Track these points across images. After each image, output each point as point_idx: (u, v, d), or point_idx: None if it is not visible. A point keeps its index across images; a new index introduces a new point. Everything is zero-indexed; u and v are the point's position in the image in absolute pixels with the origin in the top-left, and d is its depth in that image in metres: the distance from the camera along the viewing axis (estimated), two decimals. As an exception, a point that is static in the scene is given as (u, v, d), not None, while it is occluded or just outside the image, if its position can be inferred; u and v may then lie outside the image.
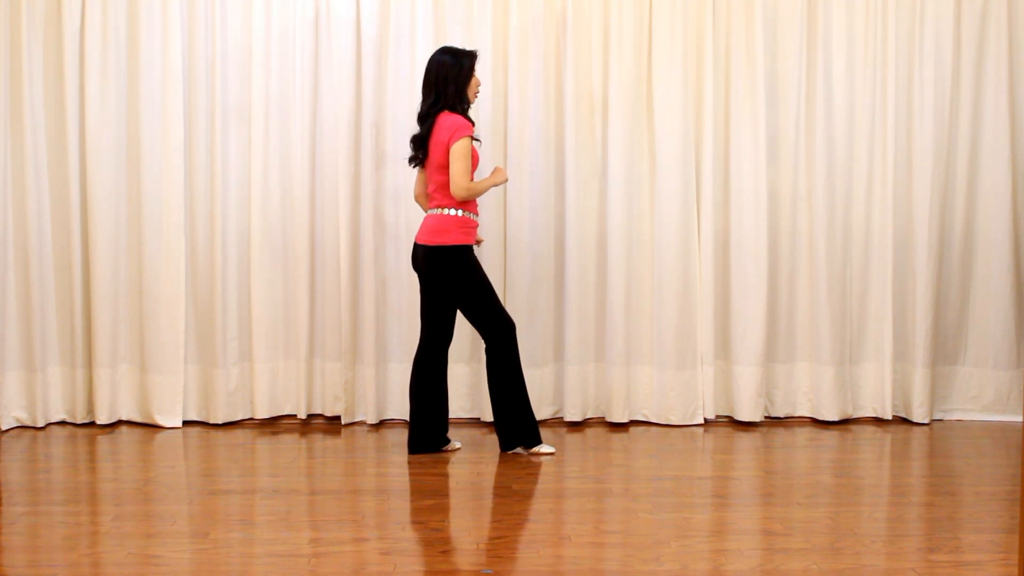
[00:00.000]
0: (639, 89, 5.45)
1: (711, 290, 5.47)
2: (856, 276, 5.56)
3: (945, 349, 5.64)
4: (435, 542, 3.66)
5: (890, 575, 3.36)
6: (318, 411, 5.53)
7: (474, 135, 4.74)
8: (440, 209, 4.74)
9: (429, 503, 4.12)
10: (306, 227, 5.42)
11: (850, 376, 5.57)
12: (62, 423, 5.44)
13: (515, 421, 4.83)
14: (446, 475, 4.55)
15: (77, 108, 5.35)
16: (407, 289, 5.44)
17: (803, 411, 5.59)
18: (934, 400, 5.59)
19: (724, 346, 5.56)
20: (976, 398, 5.64)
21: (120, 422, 5.47)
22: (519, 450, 4.88)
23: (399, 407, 5.48)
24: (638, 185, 5.47)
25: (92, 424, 5.43)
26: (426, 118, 4.77)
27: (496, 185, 4.84)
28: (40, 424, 5.36)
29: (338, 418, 5.50)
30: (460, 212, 4.72)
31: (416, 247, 4.80)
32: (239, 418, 5.49)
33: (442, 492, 4.29)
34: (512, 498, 4.23)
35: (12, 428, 5.33)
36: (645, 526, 3.83)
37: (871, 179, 5.51)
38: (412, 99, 5.39)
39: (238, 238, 5.45)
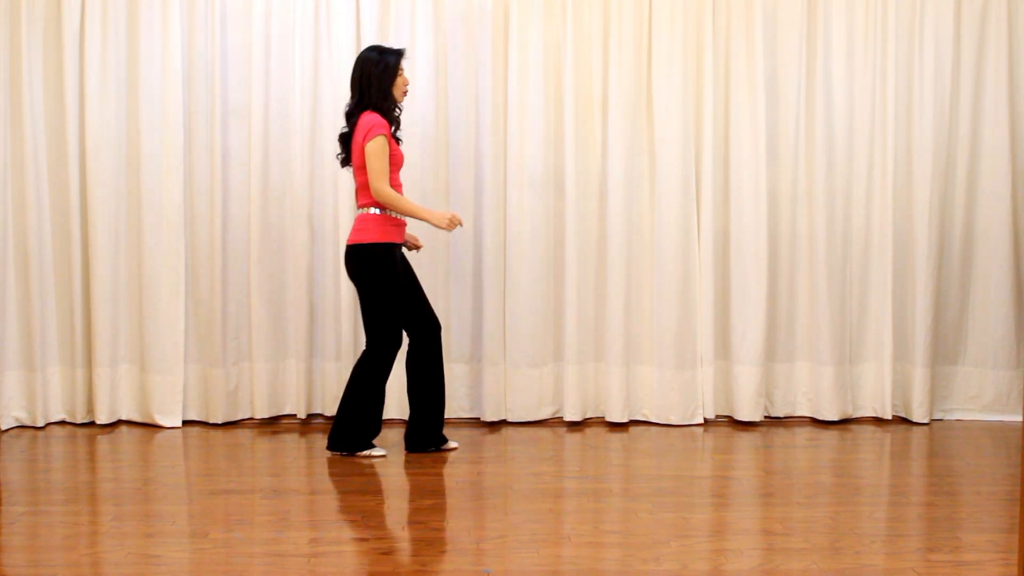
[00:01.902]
0: (639, 89, 5.45)
1: (711, 290, 5.47)
2: (856, 276, 5.56)
3: (945, 349, 5.64)
4: (435, 542, 3.66)
5: (890, 575, 3.36)
6: (318, 411, 5.53)
7: (393, 134, 4.71)
8: (363, 209, 4.72)
9: (429, 503, 4.12)
10: (306, 227, 5.42)
11: (850, 376, 5.57)
12: (62, 423, 5.45)
13: (351, 425, 4.78)
14: (446, 475, 4.55)
15: (77, 108, 5.35)
16: (407, 289, 5.44)
17: (803, 411, 5.59)
18: (934, 400, 5.59)
19: (724, 346, 5.56)
20: (976, 398, 5.64)
21: (120, 422, 5.47)
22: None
23: (399, 407, 5.48)
24: (638, 185, 5.47)
25: (92, 424, 5.43)
26: (350, 117, 4.75)
27: (429, 222, 4.71)
28: (40, 424, 5.36)
29: (338, 418, 5.49)
30: (380, 210, 4.68)
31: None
32: (239, 418, 5.49)
33: (442, 492, 4.29)
34: (512, 498, 4.23)
35: (12, 428, 5.33)
36: (645, 526, 3.83)
37: (871, 179, 5.51)
38: (412, 99, 5.39)
39: (238, 238, 5.45)
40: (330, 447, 4.83)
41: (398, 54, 4.78)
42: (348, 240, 4.74)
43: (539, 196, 5.45)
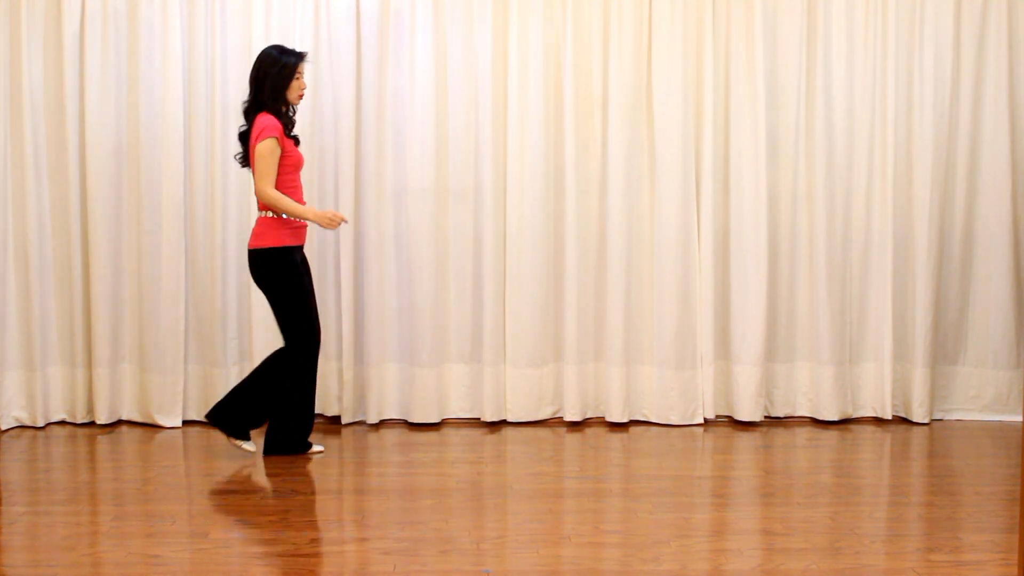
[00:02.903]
0: (639, 89, 5.45)
1: (711, 290, 5.47)
2: (856, 276, 5.56)
3: (945, 349, 5.64)
4: (435, 542, 3.66)
5: (890, 575, 3.36)
6: (318, 411, 5.52)
7: (288, 135, 4.69)
8: (262, 212, 4.71)
9: (429, 503, 4.12)
10: (307, 226, 5.40)
11: (850, 376, 5.57)
12: (62, 423, 5.44)
13: (290, 427, 4.79)
14: (446, 475, 4.56)
15: (77, 108, 5.35)
16: (407, 289, 5.44)
17: (803, 411, 5.58)
18: (934, 400, 5.59)
19: (724, 346, 5.56)
20: (976, 398, 5.64)
21: (120, 422, 5.46)
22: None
23: (399, 407, 5.48)
24: (638, 185, 5.47)
25: (92, 424, 5.43)
26: (247, 115, 4.74)
27: (312, 221, 4.70)
28: (40, 424, 5.36)
29: (338, 418, 5.50)
30: (271, 213, 4.68)
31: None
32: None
33: (442, 492, 4.29)
34: (512, 498, 4.23)
35: (12, 428, 5.33)
36: (645, 526, 3.84)
37: (871, 179, 5.51)
38: (413, 99, 5.39)
39: (238, 238, 5.44)
40: (267, 452, 4.81)
41: (298, 57, 4.75)
42: (248, 245, 4.75)
43: (539, 196, 5.45)
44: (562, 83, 5.44)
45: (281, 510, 4.04)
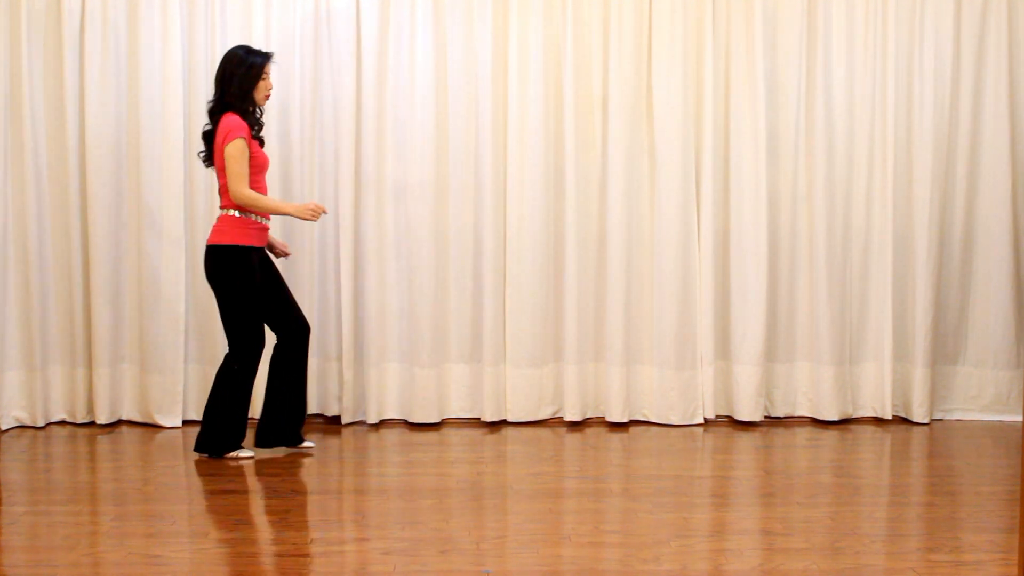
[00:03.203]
0: (639, 89, 5.45)
1: (711, 290, 5.47)
2: (856, 276, 5.56)
3: (945, 349, 5.64)
4: (435, 542, 3.66)
5: (890, 575, 3.36)
6: (318, 411, 5.53)
7: (255, 136, 4.69)
8: (224, 210, 4.71)
9: (429, 503, 4.12)
10: (306, 226, 5.41)
11: (850, 376, 5.57)
12: (62, 423, 5.44)
13: (216, 427, 4.76)
14: (446, 475, 4.56)
15: (77, 108, 5.35)
16: (407, 289, 5.44)
17: (803, 411, 5.59)
18: (934, 400, 5.59)
19: (724, 346, 5.56)
20: (976, 398, 5.64)
21: (120, 422, 5.46)
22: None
23: (399, 407, 5.48)
24: (638, 185, 5.48)
25: (92, 424, 5.43)
26: (212, 115, 4.73)
27: (294, 216, 4.71)
28: (40, 424, 5.36)
29: (338, 418, 5.50)
30: (240, 213, 4.67)
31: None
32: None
33: (442, 492, 4.29)
34: (512, 498, 4.23)
35: (12, 428, 5.33)
36: (645, 526, 3.84)
37: (871, 179, 5.51)
38: (413, 99, 5.39)
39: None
40: (197, 448, 4.79)
41: (265, 57, 4.75)
42: (207, 241, 4.73)
43: (539, 196, 5.45)
44: (562, 83, 5.44)
45: (281, 510, 4.04)
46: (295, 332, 4.83)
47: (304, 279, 5.42)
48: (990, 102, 5.52)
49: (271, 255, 4.93)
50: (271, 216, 4.81)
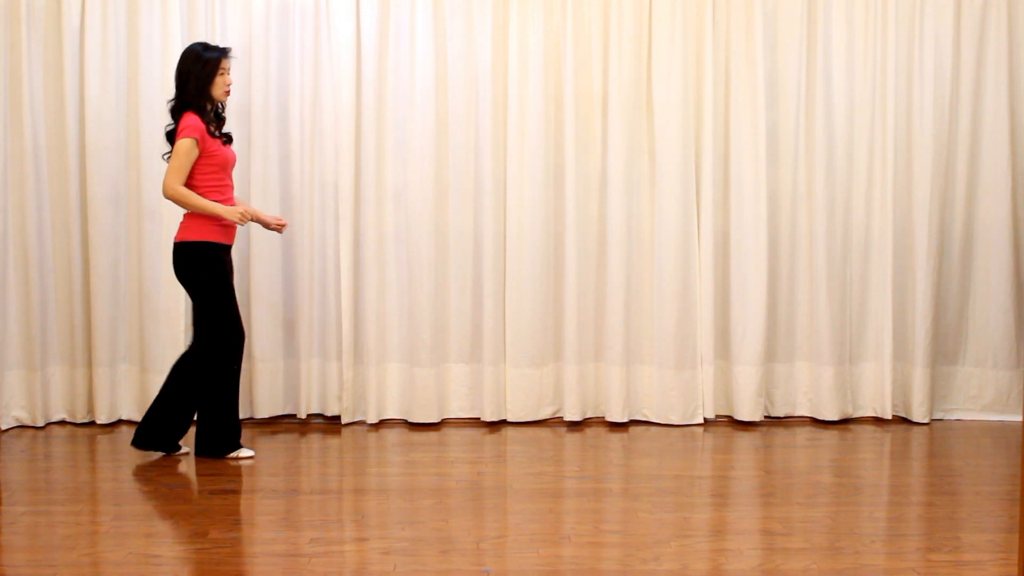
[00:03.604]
0: (639, 89, 5.45)
1: (711, 290, 5.47)
2: (856, 276, 5.56)
3: (945, 349, 5.64)
4: (435, 542, 3.66)
5: (890, 575, 3.36)
6: (318, 411, 5.53)
7: (213, 133, 4.68)
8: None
9: (429, 503, 4.12)
10: (306, 226, 5.42)
11: (850, 376, 5.57)
12: (62, 423, 5.44)
13: (160, 426, 4.74)
14: (446, 475, 4.56)
15: (77, 108, 5.35)
16: (407, 289, 5.44)
17: (803, 411, 5.59)
18: (934, 400, 5.59)
19: (724, 346, 5.56)
20: (976, 398, 5.64)
21: (120, 422, 5.46)
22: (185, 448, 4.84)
23: (399, 407, 5.48)
24: (638, 185, 5.48)
25: (92, 424, 5.43)
26: (174, 113, 4.72)
27: (223, 217, 4.66)
28: (40, 424, 5.36)
29: (338, 418, 5.50)
30: None
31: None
32: (239, 418, 5.47)
33: (442, 492, 4.29)
34: (512, 498, 4.23)
35: (12, 428, 5.33)
36: (645, 526, 3.84)
37: (871, 179, 5.51)
38: (413, 99, 5.39)
39: (238, 238, 5.43)
40: (139, 444, 4.76)
41: (222, 52, 4.75)
42: (175, 238, 4.73)
43: (539, 196, 5.45)
44: (562, 83, 5.44)
45: (281, 510, 4.05)
46: (216, 345, 4.73)
47: (304, 279, 5.43)
48: (990, 102, 5.52)
49: (270, 231, 4.95)
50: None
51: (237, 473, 4.59)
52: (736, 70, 5.46)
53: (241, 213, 4.69)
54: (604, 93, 5.45)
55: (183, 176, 4.61)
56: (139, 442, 4.78)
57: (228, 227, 4.74)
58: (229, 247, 4.77)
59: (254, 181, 5.39)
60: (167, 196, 4.63)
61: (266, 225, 4.91)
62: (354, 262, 5.42)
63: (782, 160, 5.52)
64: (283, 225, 4.95)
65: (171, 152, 4.71)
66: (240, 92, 5.41)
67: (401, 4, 5.41)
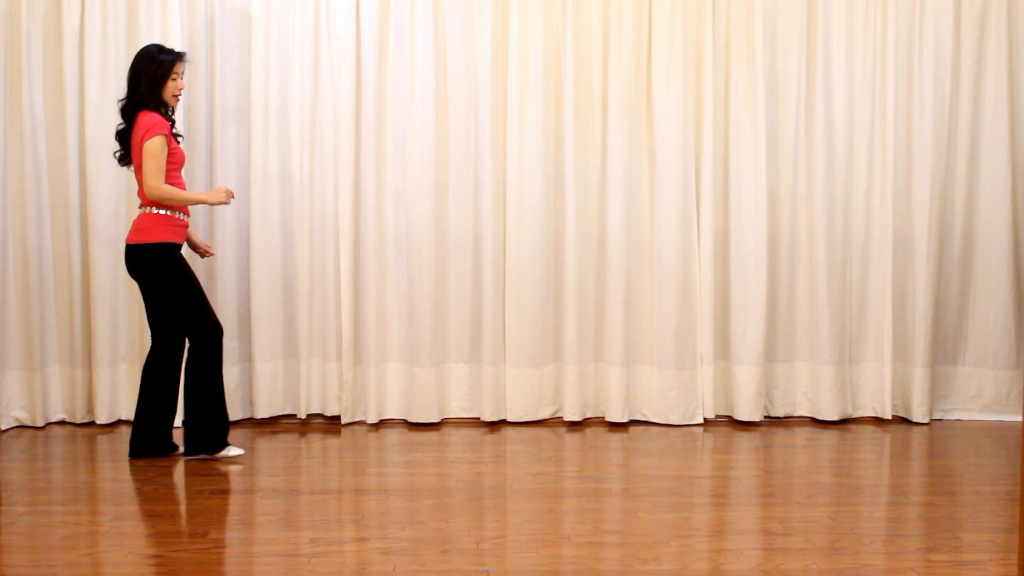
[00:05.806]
0: (639, 89, 5.45)
1: (711, 290, 5.47)
2: (856, 276, 5.56)
3: (945, 349, 5.64)
4: (435, 542, 3.66)
5: (890, 575, 3.36)
6: (318, 411, 5.53)
7: (173, 132, 4.68)
8: (145, 208, 4.68)
9: (429, 503, 4.12)
10: (306, 226, 5.41)
11: (850, 376, 5.57)
12: (62, 423, 5.44)
13: (149, 431, 4.76)
14: (446, 475, 4.56)
15: (77, 108, 5.35)
16: (407, 289, 5.44)
17: (803, 411, 5.59)
18: (934, 400, 5.59)
19: (724, 346, 5.56)
20: (976, 398, 5.64)
21: (120, 422, 5.46)
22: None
23: (399, 407, 5.48)
24: (638, 185, 5.48)
25: (92, 424, 5.43)
26: (124, 113, 4.71)
27: (208, 203, 4.72)
28: (40, 424, 5.36)
29: (338, 418, 5.50)
30: (164, 211, 4.65)
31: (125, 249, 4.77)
32: (239, 418, 5.48)
33: (442, 492, 4.29)
34: (512, 498, 4.23)
35: (12, 428, 5.33)
36: (645, 526, 3.84)
37: (871, 179, 5.51)
38: (413, 100, 5.39)
39: (237, 238, 5.44)
40: (135, 454, 4.77)
41: (176, 56, 4.73)
42: (127, 239, 4.72)
43: (539, 196, 5.45)
44: (562, 83, 5.44)
45: (281, 510, 4.04)
46: (210, 334, 4.74)
47: (304, 279, 5.42)
48: (990, 102, 5.52)
49: (196, 254, 4.98)
50: (190, 213, 4.80)
51: (237, 473, 4.59)
52: (736, 70, 5.46)
53: (226, 192, 4.73)
54: (604, 93, 5.45)
55: (163, 174, 4.61)
56: (135, 452, 4.79)
57: (183, 227, 4.74)
58: (180, 247, 4.76)
59: (254, 181, 5.39)
60: (154, 197, 4.61)
61: (194, 247, 4.93)
62: (354, 262, 5.42)
63: (782, 160, 5.52)
64: (211, 254, 5.01)
65: (123, 152, 4.72)
66: (240, 92, 5.41)
67: (401, 5, 5.41)
